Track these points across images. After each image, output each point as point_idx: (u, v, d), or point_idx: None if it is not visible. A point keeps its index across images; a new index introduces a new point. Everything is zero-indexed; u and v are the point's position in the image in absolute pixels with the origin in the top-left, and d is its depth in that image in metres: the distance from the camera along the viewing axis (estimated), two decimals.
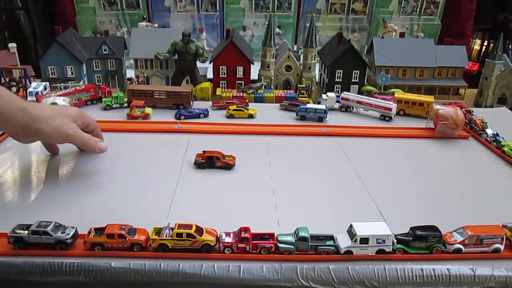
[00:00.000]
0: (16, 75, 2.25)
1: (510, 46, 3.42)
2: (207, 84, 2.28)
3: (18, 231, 1.01)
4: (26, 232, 1.00)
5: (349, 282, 0.95)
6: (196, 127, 1.80)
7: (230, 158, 1.48)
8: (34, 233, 1.00)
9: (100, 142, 1.39)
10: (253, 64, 2.39)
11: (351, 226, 1.04)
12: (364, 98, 2.06)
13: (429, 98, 2.03)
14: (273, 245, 1.03)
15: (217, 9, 3.28)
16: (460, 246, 1.03)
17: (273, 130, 1.82)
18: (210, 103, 2.10)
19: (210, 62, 2.42)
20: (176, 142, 1.67)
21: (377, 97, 2.08)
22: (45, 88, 2.12)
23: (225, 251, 1.02)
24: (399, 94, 2.10)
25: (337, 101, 2.11)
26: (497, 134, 1.71)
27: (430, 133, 1.82)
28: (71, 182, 1.36)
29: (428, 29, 3.36)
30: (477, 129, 1.80)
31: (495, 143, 1.68)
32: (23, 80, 2.23)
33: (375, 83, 2.37)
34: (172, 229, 1.02)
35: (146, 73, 2.46)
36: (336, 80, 2.39)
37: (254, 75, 2.50)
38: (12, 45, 2.46)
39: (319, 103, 2.09)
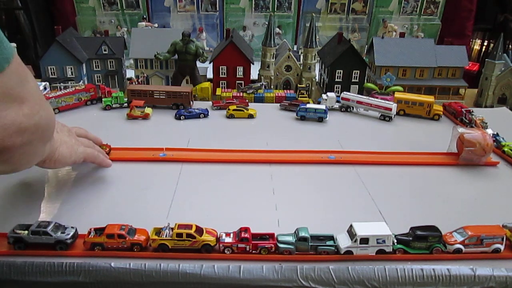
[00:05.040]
0: None
1: (510, 46, 3.42)
2: (207, 84, 2.28)
3: (18, 231, 1.01)
4: (26, 232, 1.00)
5: (349, 282, 0.95)
6: (186, 155, 1.55)
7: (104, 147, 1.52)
8: (34, 233, 1.00)
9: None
10: (253, 64, 2.39)
11: (351, 226, 1.04)
12: (364, 98, 2.06)
13: (429, 98, 2.03)
14: (273, 245, 1.02)
15: (217, 9, 3.28)
16: (460, 246, 1.03)
17: (276, 158, 1.56)
18: (210, 103, 2.10)
19: (210, 62, 2.41)
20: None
21: (377, 97, 2.08)
22: (45, 88, 2.12)
23: (225, 251, 1.02)
24: (399, 94, 2.10)
25: (337, 101, 2.11)
26: (497, 134, 1.71)
27: (452, 159, 1.59)
28: (71, 182, 1.36)
29: (428, 29, 3.36)
30: None
31: (495, 143, 1.67)
32: None
33: (375, 83, 2.37)
34: (172, 229, 1.02)
35: (146, 73, 2.45)
36: (336, 80, 2.38)
37: (254, 75, 2.49)
38: (12, 45, 2.46)
39: (319, 103, 2.09)
